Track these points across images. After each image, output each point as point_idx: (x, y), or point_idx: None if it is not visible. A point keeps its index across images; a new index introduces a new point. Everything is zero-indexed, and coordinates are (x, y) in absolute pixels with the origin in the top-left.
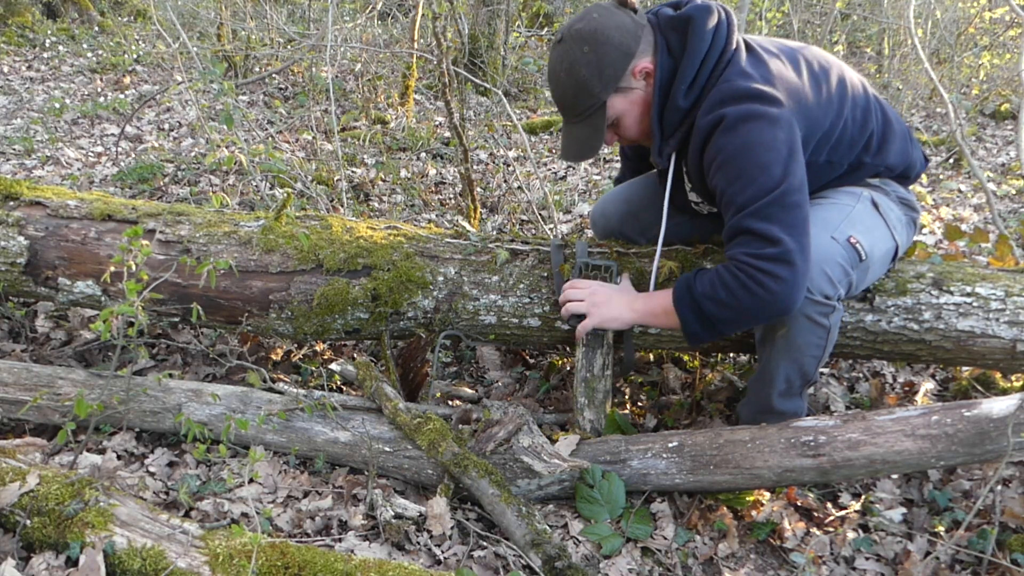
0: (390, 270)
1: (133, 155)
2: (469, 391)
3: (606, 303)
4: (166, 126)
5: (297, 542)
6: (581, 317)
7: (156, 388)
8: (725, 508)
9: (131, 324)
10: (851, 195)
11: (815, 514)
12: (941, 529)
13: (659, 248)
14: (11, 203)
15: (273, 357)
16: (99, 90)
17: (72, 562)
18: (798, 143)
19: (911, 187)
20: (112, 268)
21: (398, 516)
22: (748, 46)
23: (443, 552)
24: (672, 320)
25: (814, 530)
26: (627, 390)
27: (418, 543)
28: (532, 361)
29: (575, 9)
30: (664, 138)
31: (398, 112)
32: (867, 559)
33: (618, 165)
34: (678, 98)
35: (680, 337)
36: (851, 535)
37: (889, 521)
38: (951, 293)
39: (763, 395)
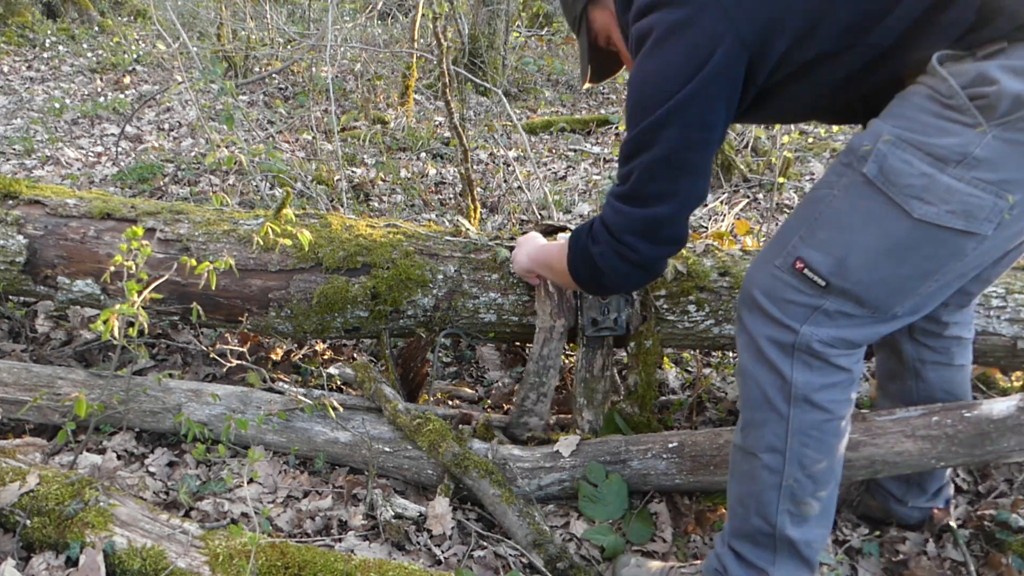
0: (389, 268)
1: (133, 155)
2: (469, 391)
3: (519, 248)
4: (166, 126)
5: (297, 542)
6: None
7: (156, 388)
8: (725, 509)
9: (131, 324)
10: (837, 172)
11: None
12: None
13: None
14: (10, 202)
15: (273, 357)
16: (99, 90)
17: (72, 562)
18: (719, 47)
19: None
20: (112, 268)
21: (398, 516)
22: None
23: (443, 552)
24: (559, 271)
25: None
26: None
27: (418, 543)
28: None
29: None
30: None
31: (398, 112)
32: (869, 556)
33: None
34: (619, 11)
35: (680, 335)
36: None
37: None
38: None
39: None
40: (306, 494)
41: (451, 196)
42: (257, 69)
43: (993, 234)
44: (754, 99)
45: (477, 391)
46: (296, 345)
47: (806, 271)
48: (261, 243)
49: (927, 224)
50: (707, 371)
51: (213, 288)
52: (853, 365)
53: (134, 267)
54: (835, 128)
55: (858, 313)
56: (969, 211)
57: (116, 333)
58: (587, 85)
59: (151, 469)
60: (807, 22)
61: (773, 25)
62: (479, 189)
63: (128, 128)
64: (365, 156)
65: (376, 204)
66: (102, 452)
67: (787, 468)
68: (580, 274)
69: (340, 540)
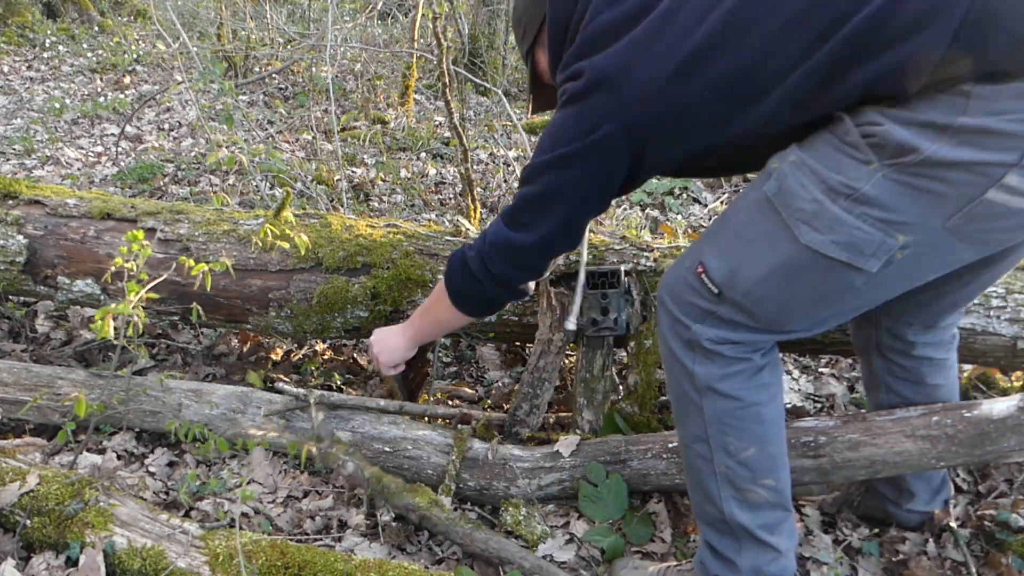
0: (390, 268)
1: (133, 155)
2: (469, 391)
3: (382, 341)
4: (166, 126)
5: (297, 542)
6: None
7: (156, 388)
8: None
9: (131, 324)
10: (752, 185)
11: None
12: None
13: (582, 269)
14: (10, 202)
15: (273, 357)
16: (99, 90)
17: (72, 562)
18: (601, 127)
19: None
20: (112, 268)
21: (398, 517)
22: None
23: (443, 551)
24: (444, 305)
25: (815, 529)
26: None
27: (418, 542)
28: None
29: None
30: None
31: (398, 112)
32: (869, 556)
33: None
34: (550, 65)
35: None
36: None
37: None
38: None
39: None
40: (306, 494)
41: (451, 196)
42: (257, 69)
43: (882, 271)
44: (672, 169)
45: (477, 391)
46: (296, 345)
47: (703, 276)
48: (260, 244)
49: (812, 251)
50: None
51: (212, 287)
52: (750, 354)
53: (134, 268)
54: None
55: (750, 324)
56: (854, 244)
57: (116, 333)
58: (530, 115)
59: (151, 469)
60: (710, 128)
61: (663, 122)
62: (479, 189)
63: (128, 128)
64: (365, 156)
65: (376, 204)
66: (102, 452)
67: (715, 456)
68: (453, 283)
69: (340, 540)
